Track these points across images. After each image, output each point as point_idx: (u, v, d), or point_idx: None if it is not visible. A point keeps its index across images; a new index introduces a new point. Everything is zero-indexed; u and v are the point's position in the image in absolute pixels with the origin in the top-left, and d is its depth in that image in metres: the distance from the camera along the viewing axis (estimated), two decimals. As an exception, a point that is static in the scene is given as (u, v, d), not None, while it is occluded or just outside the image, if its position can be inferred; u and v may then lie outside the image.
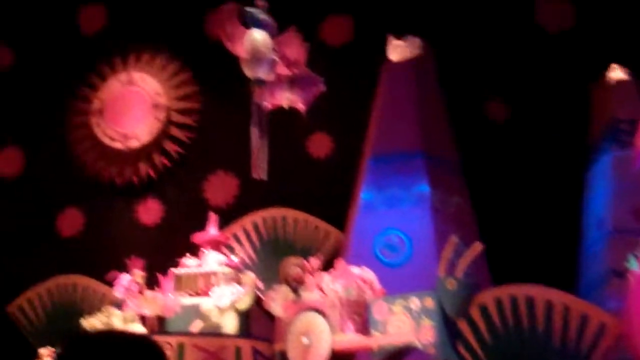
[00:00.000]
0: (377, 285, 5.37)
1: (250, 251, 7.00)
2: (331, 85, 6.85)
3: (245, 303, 6.10)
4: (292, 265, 5.59)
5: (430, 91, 6.63)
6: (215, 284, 6.32)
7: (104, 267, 7.33)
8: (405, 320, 5.00)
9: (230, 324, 6.05)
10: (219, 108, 7.76)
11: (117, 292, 6.23)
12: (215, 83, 7.75)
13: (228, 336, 5.90)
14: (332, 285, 5.33)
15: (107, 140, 7.76)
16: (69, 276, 7.51)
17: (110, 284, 6.77)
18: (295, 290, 5.43)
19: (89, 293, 7.39)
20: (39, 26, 8.29)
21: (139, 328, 4.79)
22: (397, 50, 6.35)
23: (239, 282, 6.19)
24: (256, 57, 4.87)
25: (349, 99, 7.17)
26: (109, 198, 7.77)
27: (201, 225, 6.67)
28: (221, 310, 6.09)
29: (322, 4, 6.47)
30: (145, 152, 7.69)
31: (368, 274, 5.37)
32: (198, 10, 7.92)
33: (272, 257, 6.98)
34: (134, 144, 7.67)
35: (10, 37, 8.28)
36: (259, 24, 5.24)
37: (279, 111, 6.16)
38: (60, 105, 8.02)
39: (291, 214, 7.11)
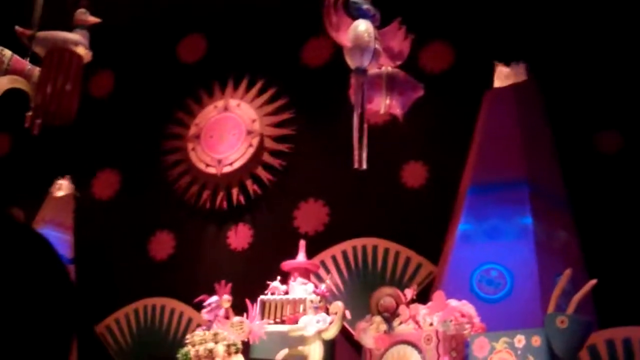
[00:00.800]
0: (477, 320, 5.02)
1: (338, 280, 6.78)
2: (428, 113, 6.64)
3: (332, 332, 5.86)
4: (386, 295, 5.32)
5: (536, 119, 6.27)
6: (301, 312, 6.13)
7: (192, 291, 7.27)
8: (509, 359, 4.62)
9: (316, 353, 5.82)
10: (313, 136, 7.66)
11: (205, 316, 6.12)
12: (310, 110, 7.67)
13: (314, 366, 5.65)
14: (429, 318, 5.01)
15: (201, 166, 7.74)
16: (157, 298, 7.50)
17: (197, 307, 6.67)
18: (387, 322, 5.13)
19: (175, 316, 7.34)
20: (140, 54, 8.47)
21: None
22: (503, 76, 6.06)
23: (327, 311, 5.96)
24: (359, 45, 4.70)
25: (445, 127, 6.91)
26: (201, 222, 7.72)
27: (290, 253, 6.51)
28: (307, 339, 5.88)
29: (421, 30, 6.26)
30: (237, 178, 7.63)
31: (467, 307, 5.03)
32: (296, 38, 7.90)
33: (361, 288, 6.74)
34: (228, 169, 7.62)
35: (113, 64, 8.47)
36: (364, 14, 5.09)
37: (373, 137, 5.94)
38: (157, 130, 8.12)
39: (382, 244, 6.86)
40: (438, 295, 5.20)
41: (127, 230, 7.93)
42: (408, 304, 5.22)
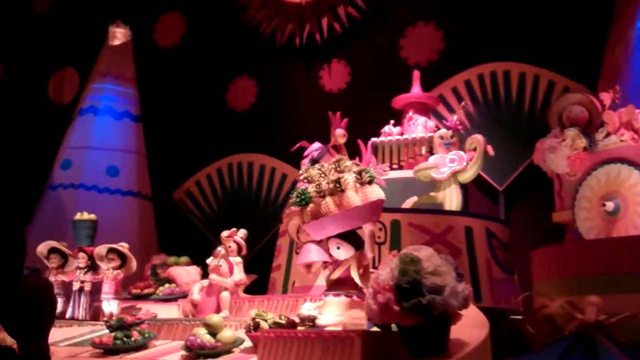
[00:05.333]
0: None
1: (461, 115, 5.48)
2: None
3: (471, 172, 4.67)
4: (571, 104, 4.00)
5: None
6: (423, 154, 4.95)
7: (283, 143, 6.15)
8: None
9: (453, 199, 4.65)
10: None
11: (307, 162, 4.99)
12: None
13: (453, 213, 4.49)
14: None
15: (282, -6, 6.43)
16: (242, 154, 6.42)
17: (293, 160, 5.58)
18: (587, 136, 3.82)
19: (266, 172, 6.28)
20: None
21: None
22: None
23: (460, 148, 4.76)
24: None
25: None
26: (286, 63, 6.47)
27: (399, 89, 5.27)
28: (440, 183, 4.70)
29: None
30: (326, 5, 6.28)
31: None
32: None
33: (498, 119, 5.51)
34: (314, -5, 6.29)
35: None
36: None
37: None
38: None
39: (516, 67, 5.54)
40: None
41: (199, 80, 6.76)
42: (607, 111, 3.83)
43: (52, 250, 4.92)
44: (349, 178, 3.25)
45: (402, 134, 5.13)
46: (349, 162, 3.41)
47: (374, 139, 5.06)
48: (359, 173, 3.26)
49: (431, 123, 5.17)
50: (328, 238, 3.23)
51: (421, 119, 5.18)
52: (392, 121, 5.13)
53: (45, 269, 4.98)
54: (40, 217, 6.08)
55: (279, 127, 6.27)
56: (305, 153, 5.00)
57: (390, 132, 5.15)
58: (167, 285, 4.89)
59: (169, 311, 4.43)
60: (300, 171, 3.59)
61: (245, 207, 6.27)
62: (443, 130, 4.84)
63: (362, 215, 3.18)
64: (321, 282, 4.11)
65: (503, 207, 5.49)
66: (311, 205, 3.27)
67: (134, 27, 6.61)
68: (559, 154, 3.89)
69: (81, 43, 7.06)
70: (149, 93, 6.59)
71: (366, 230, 3.22)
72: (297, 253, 4.83)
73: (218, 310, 4.00)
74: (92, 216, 4.99)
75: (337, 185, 3.24)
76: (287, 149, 5.75)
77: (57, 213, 5.97)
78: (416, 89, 5.30)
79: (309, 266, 4.13)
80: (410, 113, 5.18)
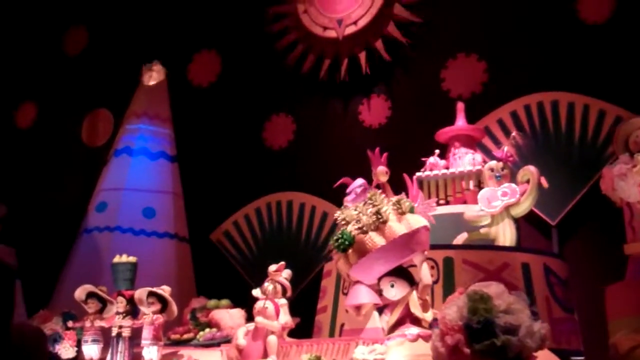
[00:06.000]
0: None
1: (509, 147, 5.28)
2: None
3: (525, 206, 4.46)
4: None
5: None
6: (472, 189, 4.75)
7: (322, 181, 6.01)
8: None
9: (507, 235, 4.43)
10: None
11: (349, 204, 4.80)
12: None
13: (509, 249, 4.27)
14: None
15: (317, 30, 6.31)
16: (281, 193, 6.25)
17: (334, 198, 5.42)
18: None
19: (306, 211, 6.10)
20: None
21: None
22: None
23: (512, 181, 4.55)
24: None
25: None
26: (324, 99, 6.34)
27: (441, 122, 5.10)
28: (492, 218, 4.49)
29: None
30: (364, 40, 6.17)
31: None
32: None
33: (545, 148, 5.30)
34: (351, 30, 6.15)
35: None
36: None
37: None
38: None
39: (565, 97, 5.35)
40: None
41: (235, 118, 6.64)
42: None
43: (90, 295, 4.75)
44: (388, 209, 3.12)
45: (447, 168, 4.94)
46: (382, 195, 3.29)
47: (419, 174, 4.87)
48: (397, 203, 3.13)
49: (478, 156, 4.98)
50: (379, 279, 3.05)
51: (467, 152, 5.01)
52: (437, 151, 4.95)
53: (84, 314, 4.82)
54: (76, 261, 5.95)
55: (318, 165, 6.11)
56: (348, 190, 4.83)
57: (436, 163, 4.96)
58: (207, 329, 4.70)
59: (211, 357, 4.23)
60: (336, 214, 3.43)
61: (286, 247, 6.08)
62: (493, 162, 4.64)
63: (410, 244, 3.02)
64: (372, 324, 3.91)
65: (556, 241, 5.25)
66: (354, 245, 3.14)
67: (168, 67, 6.54)
68: (629, 181, 3.67)
69: (114, 84, 7.02)
70: (184, 133, 6.48)
71: (417, 260, 3.04)
72: (345, 294, 4.65)
73: (265, 355, 3.79)
74: (132, 259, 4.83)
75: (379, 216, 3.09)
76: (326, 187, 5.60)
77: (93, 257, 5.83)
78: (461, 121, 5.13)
79: (358, 308, 3.95)
80: (456, 147, 5.00)
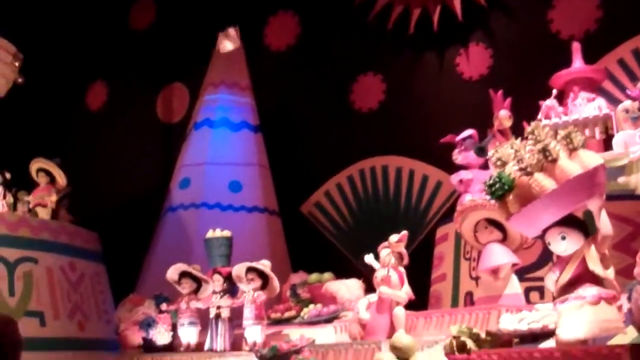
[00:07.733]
0: None
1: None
2: None
3: (674, 150, 3.87)
4: None
5: None
6: (597, 136, 4.18)
7: (420, 142, 5.52)
8: None
9: (652, 182, 3.86)
10: None
11: (458, 157, 4.30)
12: None
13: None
14: None
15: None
16: (375, 158, 5.78)
17: (435, 160, 4.94)
18: None
19: (404, 175, 5.62)
20: None
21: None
22: None
23: (651, 123, 3.97)
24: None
25: None
26: (414, 53, 5.81)
27: (553, 66, 4.52)
28: (630, 165, 3.92)
29: None
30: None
31: None
32: None
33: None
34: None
35: None
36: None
37: None
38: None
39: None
40: None
41: (319, 83, 6.18)
42: None
43: (184, 275, 4.40)
44: (557, 144, 2.56)
45: (565, 114, 4.37)
46: (547, 128, 2.72)
47: (535, 122, 4.31)
48: (567, 137, 2.56)
49: (601, 100, 4.40)
50: (545, 230, 2.51)
51: (587, 97, 4.43)
52: (554, 91, 4.39)
53: (177, 296, 4.46)
54: (162, 241, 5.63)
55: (413, 125, 5.61)
56: (457, 139, 4.34)
57: (553, 106, 4.40)
58: (311, 306, 4.29)
59: (322, 335, 3.80)
60: (490, 153, 2.91)
61: (384, 215, 5.61)
62: (627, 103, 4.05)
63: (587, 187, 2.46)
64: (511, 289, 3.42)
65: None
66: (514, 190, 2.59)
67: (242, 33, 6.13)
68: None
69: (186, 56, 6.65)
70: (266, 101, 6.08)
71: (593, 207, 2.50)
72: (467, 259, 4.16)
73: (392, 330, 3.32)
74: (227, 233, 4.45)
75: (547, 154, 2.54)
76: (425, 148, 5.11)
77: (180, 236, 5.50)
78: (578, 63, 4.56)
79: (495, 272, 3.45)
80: (574, 91, 4.43)
